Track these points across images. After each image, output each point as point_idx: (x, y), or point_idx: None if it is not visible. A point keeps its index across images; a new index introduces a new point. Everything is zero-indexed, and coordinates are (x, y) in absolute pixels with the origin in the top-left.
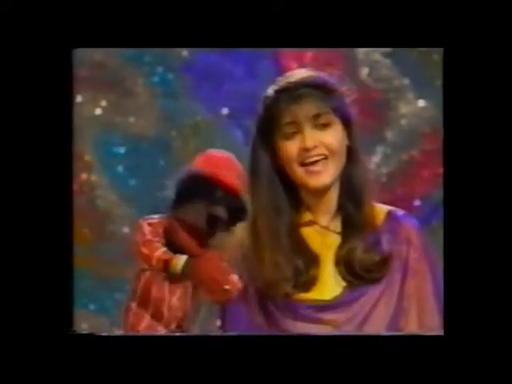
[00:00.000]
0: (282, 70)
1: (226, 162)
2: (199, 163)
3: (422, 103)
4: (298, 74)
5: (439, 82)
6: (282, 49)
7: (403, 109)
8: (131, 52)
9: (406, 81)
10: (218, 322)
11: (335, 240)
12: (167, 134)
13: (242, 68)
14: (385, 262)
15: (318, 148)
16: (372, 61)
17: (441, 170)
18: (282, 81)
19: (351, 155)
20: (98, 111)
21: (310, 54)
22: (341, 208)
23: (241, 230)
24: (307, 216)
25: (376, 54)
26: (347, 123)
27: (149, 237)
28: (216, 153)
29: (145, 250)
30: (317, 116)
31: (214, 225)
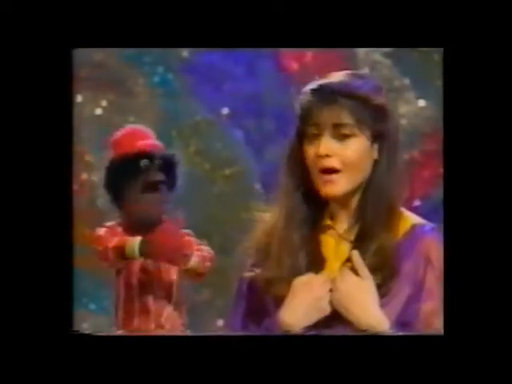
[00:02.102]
0: (282, 70)
1: (136, 133)
2: (114, 148)
3: (422, 103)
4: (337, 76)
5: (439, 82)
6: (282, 49)
7: (403, 109)
8: (131, 52)
9: (407, 81)
10: (220, 322)
11: (348, 250)
12: (167, 134)
13: (243, 68)
14: (385, 284)
15: (330, 158)
16: (372, 61)
17: (441, 170)
18: (320, 81)
19: (378, 169)
20: (99, 111)
21: (310, 53)
22: (359, 219)
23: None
24: (327, 220)
25: (376, 54)
26: (380, 137)
27: (102, 235)
28: (122, 131)
29: (99, 247)
30: (336, 126)
31: (159, 189)
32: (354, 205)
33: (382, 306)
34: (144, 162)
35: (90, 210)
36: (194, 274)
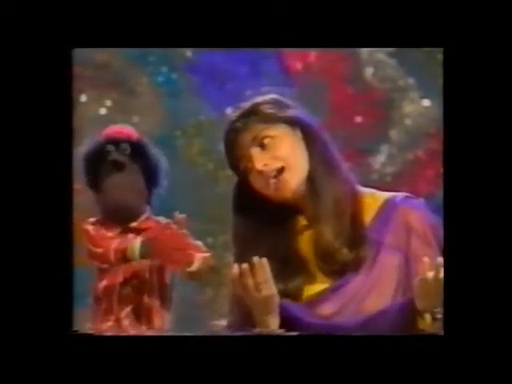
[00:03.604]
0: (285, 70)
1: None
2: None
3: (426, 103)
4: (239, 110)
5: None
6: (285, 49)
7: (408, 108)
8: (136, 52)
9: (411, 80)
10: (220, 322)
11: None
12: (171, 134)
13: (246, 68)
14: (358, 260)
15: (268, 165)
16: (376, 61)
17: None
18: (228, 122)
19: (311, 150)
20: (103, 111)
21: (313, 53)
22: (322, 205)
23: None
24: (302, 221)
25: (380, 53)
26: (293, 121)
27: (97, 235)
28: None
29: (99, 250)
30: (254, 138)
31: (123, 168)
32: (313, 196)
33: (376, 280)
34: (109, 147)
35: (89, 210)
36: (195, 276)
